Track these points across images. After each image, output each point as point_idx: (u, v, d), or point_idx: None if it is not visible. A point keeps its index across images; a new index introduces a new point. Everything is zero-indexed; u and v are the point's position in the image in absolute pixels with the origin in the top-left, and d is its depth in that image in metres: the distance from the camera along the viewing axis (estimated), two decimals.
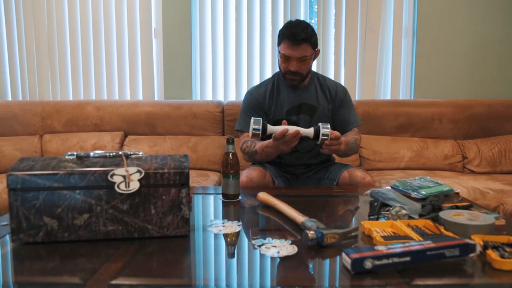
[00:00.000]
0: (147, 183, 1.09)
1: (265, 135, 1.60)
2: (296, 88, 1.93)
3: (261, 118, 1.59)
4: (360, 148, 2.77)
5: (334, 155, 2.09)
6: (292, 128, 1.58)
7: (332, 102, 1.96)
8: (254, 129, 1.57)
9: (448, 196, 1.54)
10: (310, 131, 1.60)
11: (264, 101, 1.94)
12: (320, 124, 1.59)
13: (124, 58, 3.14)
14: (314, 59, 1.87)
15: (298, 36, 1.75)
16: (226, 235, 1.16)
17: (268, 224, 1.29)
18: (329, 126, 1.58)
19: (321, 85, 1.98)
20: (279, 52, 1.84)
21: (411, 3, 3.08)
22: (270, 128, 1.59)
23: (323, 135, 1.57)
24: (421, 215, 1.25)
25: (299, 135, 1.57)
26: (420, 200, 1.46)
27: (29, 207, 1.05)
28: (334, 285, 0.89)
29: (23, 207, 1.05)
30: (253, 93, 1.97)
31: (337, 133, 1.62)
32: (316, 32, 1.84)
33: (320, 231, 1.04)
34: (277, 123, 1.90)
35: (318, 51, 1.86)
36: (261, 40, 3.10)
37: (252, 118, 1.59)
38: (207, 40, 3.13)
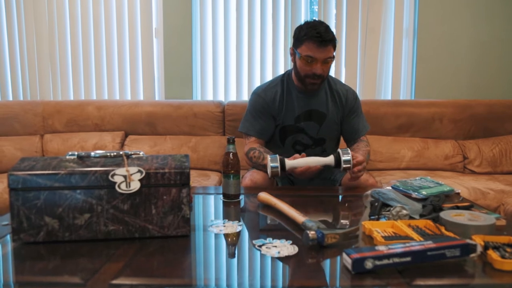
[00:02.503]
0: (147, 183, 1.09)
1: (284, 172, 1.58)
2: (307, 93, 1.84)
3: (277, 155, 1.57)
4: None
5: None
6: (312, 162, 1.56)
7: (342, 109, 1.89)
8: (272, 167, 1.54)
9: (449, 197, 1.54)
10: (330, 160, 1.58)
11: (273, 105, 1.84)
12: (339, 150, 1.57)
13: (124, 58, 3.14)
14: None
15: (325, 37, 1.65)
16: (226, 235, 1.16)
17: (268, 224, 1.29)
18: (349, 151, 1.56)
19: (331, 90, 1.89)
20: (298, 54, 1.73)
21: (411, 4, 3.08)
22: (288, 163, 1.56)
23: (344, 162, 1.54)
24: (421, 215, 1.25)
25: (319, 168, 1.57)
26: (421, 200, 1.46)
27: (30, 207, 1.05)
28: (335, 285, 0.89)
29: (24, 207, 1.05)
30: (261, 95, 1.86)
31: (359, 158, 1.60)
32: None
33: (320, 231, 1.04)
34: (285, 129, 1.87)
35: None
36: (261, 40, 3.10)
37: (269, 156, 1.57)
38: (208, 40, 3.13)
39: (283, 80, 1.90)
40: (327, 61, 1.72)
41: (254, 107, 1.87)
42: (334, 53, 1.73)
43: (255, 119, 1.86)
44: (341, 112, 1.89)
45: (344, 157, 1.54)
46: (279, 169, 1.54)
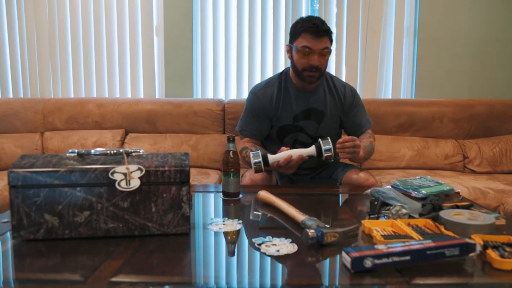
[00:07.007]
0: (147, 181, 1.09)
1: (268, 167, 1.59)
2: (305, 91, 1.85)
3: (259, 151, 1.59)
4: None
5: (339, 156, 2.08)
6: (294, 153, 1.58)
7: (342, 107, 1.88)
8: (255, 163, 1.57)
9: (449, 196, 1.54)
10: (312, 150, 1.60)
11: (270, 104, 1.84)
12: (320, 140, 1.59)
13: (125, 56, 3.14)
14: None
15: (321, 27, 1.68)
16: (226, 233, 1.16)
17: (268, 223, 1.29)
18: (329, 140, 1.58)
19: (329, 87, 1.88)
20: (295, 47, 1.73)
21: (412, 3, 3.07)
22: (272, 157, 1.59)
23: (325, 151, 1.57)
24: (421, 215, 1.25)
25: (302, 159, 1.58)
26: (421, 199, 1.46)
27: (30, 204, 1.05)
28: (334, 283, 0.89)
29: (24, 204, 1.05)
30: (258, 94, 1.86)
31: (351, 137, 1.63)
32: None
33: (320, 230, 1.04)
34: (283, 128, 1.86)
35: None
36: (262, 38, 3.10)
37: (251, 153, 1.59)
38: (208, 38, 3.13)
39: (281, 78, 1.89)
40: (324, 53, 1.72)
41: (250, 107, 1.89)
42: (331, 47, 1.75)
43: (250, 119, 1.88)
44: (340, 109, 1.89)
45: (324, 147, 1.57)
46: (262, 165, 1.57)
